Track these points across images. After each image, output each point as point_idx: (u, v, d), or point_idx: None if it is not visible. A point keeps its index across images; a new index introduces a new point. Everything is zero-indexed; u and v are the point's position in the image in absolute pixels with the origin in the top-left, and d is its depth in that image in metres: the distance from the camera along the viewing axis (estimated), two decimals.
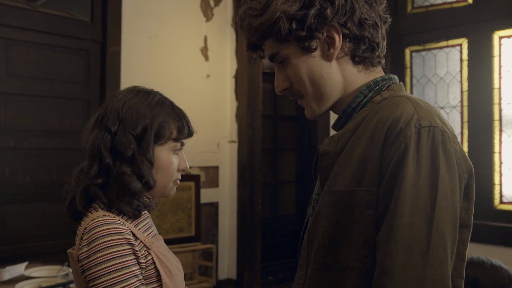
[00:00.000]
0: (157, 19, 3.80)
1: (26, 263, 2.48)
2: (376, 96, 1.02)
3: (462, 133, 3.10)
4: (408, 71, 3.34)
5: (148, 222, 1.29)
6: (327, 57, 1.02)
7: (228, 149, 4.30)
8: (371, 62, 1.04)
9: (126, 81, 3.56)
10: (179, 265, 1.31)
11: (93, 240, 1.10)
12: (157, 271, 1.18)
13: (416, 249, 0.85)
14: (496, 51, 2.98)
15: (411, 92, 3.33)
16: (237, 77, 4.32)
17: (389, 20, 1.07)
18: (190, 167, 4.11)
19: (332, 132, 1.09)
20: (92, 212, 1.18)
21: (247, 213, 4.23)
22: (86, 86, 3.46)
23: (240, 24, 1.10)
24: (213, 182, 4.19)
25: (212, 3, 4.18)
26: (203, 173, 4.09)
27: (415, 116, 0.90)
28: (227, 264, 4.29)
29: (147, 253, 1.17)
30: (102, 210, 1.17)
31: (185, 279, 3.71)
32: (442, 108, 3.20)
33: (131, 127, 1.20)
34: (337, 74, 1.03)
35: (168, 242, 3.29)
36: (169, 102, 1.29)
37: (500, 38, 2.98)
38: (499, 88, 2.96)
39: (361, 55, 1.03)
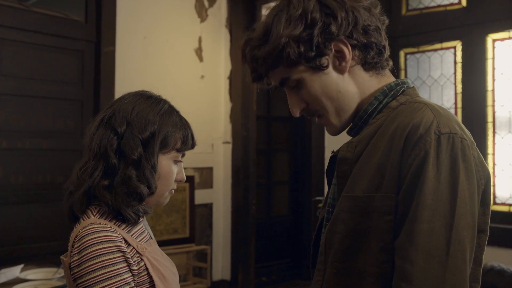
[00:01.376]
0: (151, 19, 3.79)
1: (21, 266, 2.46)
2: (392, 102, 1.03)
3: None
4: (402, 73, 3.35)
5: (142, 227, 1.28)
6: (340, 71, 1.03)
7: (222, 150, 4.30)
8: (381, 66, 1.06)
9: (121, 81, 3.55)
10: (173, 269, 1.30)
11: (84, 248, 1.10)
12: (150, 277, 1.17)
13: (436, 255, 0.86)
14: (489, 54, 3.01)
15: None
16: (231, 78, 4.32)
17: (386, 21, 1.08)
18: (185, 168, 4.11)
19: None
20: (84, 218, 1.18)
21: (241, 214, 4.23)
22: (80, 87, 3.45)
23: (243, 57, 1.09)
24: (207, 183, 4.19)
25: (206, 3, 4.17)
26: (197, 174, 4.09)
27: (435, 123, 0.91)
28: (221, 265, 4.29)
29: (139, 260, 1.17)
30: (95, 216, 1.17)
31: (180, 280, 3.70)
32: None
33: (138, 131, 1.19)
34: (352, 86, 1.04)
35: (163, 243, 3.29)
36: (177, 113, 1.30)
37: (494, 41, 3.00)
38: (493, 90, 2.98)
39: (371, 61, 1.04)
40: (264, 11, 4.46)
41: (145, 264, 1.17)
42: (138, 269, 1.15)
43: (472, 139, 0.96)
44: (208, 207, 4.20)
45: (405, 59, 3.36)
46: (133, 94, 1.28)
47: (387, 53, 1.06)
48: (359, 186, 0.96)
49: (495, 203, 2.96)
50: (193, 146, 1.31)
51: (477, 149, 0.96)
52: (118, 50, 3.56)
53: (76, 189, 1.19)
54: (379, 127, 0.99)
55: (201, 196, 4.08)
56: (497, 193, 2.96)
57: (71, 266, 1.12)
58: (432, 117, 0.92)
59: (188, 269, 3.84)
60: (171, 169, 1.25)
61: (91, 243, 1.10)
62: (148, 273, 1.17)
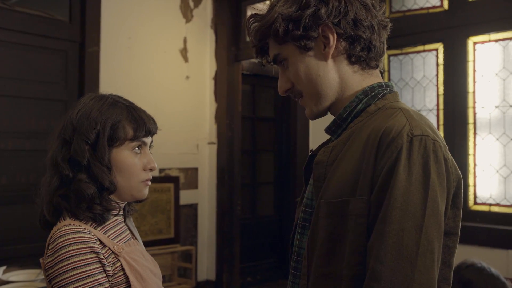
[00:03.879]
0: (136, 19, 3.78)
1: (4, 267, 2.44)
2: (371, 106, 1.05)
3: None
4: (386, 74, 3.40)
5: (121, 228, 1.28)
6: (323, 56, 1.05)
7: (207, 151, 4.30)
8: (367, 63, 1.07)
9: (105, 82, 3.53)
10: (155, 270, 1.30)
11: (58, 249, 1.11)
12: (127, 277, 1.17)
13: (406, 255, 0.87)
14: (470, 56, 3.06)
15: None
16: (216, 78, 4.33)
17: (389, 25, 1.10)
18: (169, 169, 4.13)
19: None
20: (61, 220, 1.19)
21: (226, 214, 4.24)
22: (64, 87, 3.43)
23: (247, 31, 1.14)
24: (192, 183, 4.19)
25: (191, 4, 4.18)
26: (182, 175, 4.09)
27: (407, 126, 0.93)
28: (206, 266, 4.29)
29: (115, 260, 1.17)
30: (70, 218, 1.18)
31: (164, 281, 3.70)
32: (419, 111, 3.26)
33: (84, 135, 1.20)
34: (333, 73, 1.06)
35: (147, 244, 3.28)
36: (124, 103, 1.27)
37: (475, 43, 3.06)
38: (474, 92, 3.04)
39: (356, 54, 1.05)
40: (249, 12, 4.48)
41: (121, 264, 1.17)
42: (113, 269, 1.16)
43: (445, 143, 0.98)
44: (193, 207, 4.21)
45: (389, 61, 3.40)
46: (81, 99, 1.29)
47: (377, 54, 1.07)
48: (335, 191, 0.98)
49: (475, 203, 3.02)
50: (149, 132, 1.27)
51: (449, 152, 0.97)
52: (103, 51, 3.55)
53: (41, 200, 1.24)
54: (354, 132, 1.02)
55: (186, 197, 4.08)
56: (478, 193, 3.01)
57: (46, 267, 1.13)
58: (405, 121, 0.94)
59: (173, 269, 3.83)
60: (130, 160, 1.23)
61: (64, 244, 1.11)
62: (125, 273, 1.17)
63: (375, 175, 0.93)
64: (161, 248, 3.69)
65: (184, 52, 4.13)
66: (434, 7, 3.22)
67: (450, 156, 0.97)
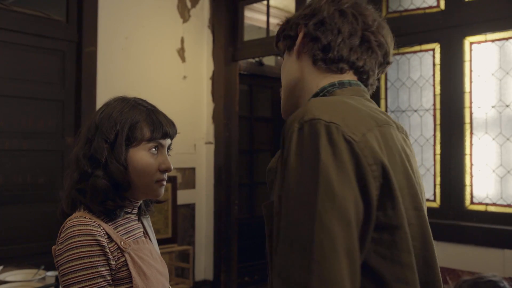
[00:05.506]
0: (133, 19, 3.78)
1: (1, 267, 2.43)
2: None
3: (434, 135, 3.17)
4: (382, 74, 3.40)
5: (134, 225, 1.33)
6: (295, 54, 1.09)
7: (204, 150, 4.30)
8: (329, 67, 1.05)
9: (102, 82, 3.53)
10: (162, 270, 1.33)
11: (67, 238, 1.18)
12: (130, 273, 1.21)
13: (300, 246, 0.81)
14: (467, 56, 3.07)
15: (385, 96, 3.40)
16: (213, 78, 4.33)
17: (371, 37, 1.06)
18: None
19: None
20: (76, 212, 1.25)
21: (224, 214, 4.24)
22: (61, 87, 3.42)
23: None
24: (190, 183, 4.19)
25: (189, 4, 4.18)
26: (179, 175, 4.09)
27: (301, 114, 0.87)
28: (203, 265, 4.30)
29: (120, 255, 1.21)
30: (84, 211, 1.24)
31: None
32: (415, 111, 3.28)
33: (105, 134, 1.26)
34: (296, 70, 1.08)
35: None
36: (146, 106, 1.33)
37: (471, 43, 3.06)
38: (470, 92, 3.04)
39: (315, 53, 1.05)
40: (247, 12, 4.48)
41: (125, 260, 1.21)
42: (117, 264, 1.20)
43: (360, 131, 0.88)
44: (191, 207, 4.21)
45: None
46: (109, 101, 1.36)
47: (338, 57, 1.04)
48: (273, 194, 0.94)
49: (472, 203, 3.02)
50: (166, 135, 1.31)
51: (367, 135, 0.88)
52: (100, 50, 3.55)
53: (63, 193, 1.30)
54: None
55: (183, 197, 4.08)
56: (475, 193, 3.02)
57: (56, 254, 1.19)
58: (303, 109, 0.88)
59: (171, 269, 3.84)
60: (146, 160, 1.28)
61: (72, 235, 1.17)
62: (128, 269, 1.21)
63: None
64: (158, 248, 3.69)
65: (181, 52, 4.13)
66: (430, 7, 3.22)
67: (362, 138, 0.87)
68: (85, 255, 1.16)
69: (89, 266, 1.15)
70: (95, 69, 3.51)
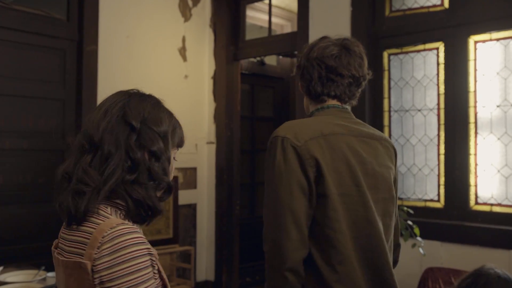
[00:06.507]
0: (135, 18, 3.76)
1: (1, 268, 2.41)
2: None
3: (438, 135, 3.14)
4: (386, 73, 3.37)
5: None
6: None
7: (206, 150, 4.28)
8: (313, 99, 1.65)
9: (103, 81, 3.50)
10: None
11: (118, 249, 1.05)
12: (163, 279, 1.15)
13: (269, 212, 1.47)
14: (471, 55, 3.04)
15: (389, 95, 3.37)
16: (215, 78, 4.30)
17: (342, 72, 1.60)
18: None
19: None
20: (99, 218, 1.12)
21: (225, 214, 4.22)
22: (62, 86, 3.40)
23: None
24: (191, 183, 4.17)
25: (190, 3, 4.15)
26: (181, 175, 4.06)
27: (273, 133, 1.52)
28: (205, 266, 4.27)
29: (155, 263, 1.15)
30: (116, 216, 1.13)
31: None
32: (419, 110, 3.25)
33: (155, 128, 1.20)
34: (304, 101, 1.71)
35: None
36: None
37: (476, 42, 3.03)
38: (475, 91, 3.01)
39: (305, 93, 1.67)
40: (248, 11, 4.46)
41: (158, 268, 1.15)
42: (155, 271, 1.14)
43: (303, 139, 1.47)
44: (192, 207, 4.18)
45: (389, 60, 3.38)
46: (133, 92, 1.28)
47: (313, 92, 1.63)
48: None
49: (477, 203, 2.99)
50: (184, 142, 1.33)
51: (308, 143, 1.47)
52: (101, 49, 3.52)
53: (95, 186, 1.12)
54: None
55: (184, 197, 4.05)
56: (479, 193, 2.99)
57: (99, 269, 1.05)
58: (277, 129, 1.52)
59: (172, 270, 3.81)
60: (172, 166, 1.27)
61: (127, 244, 1.05)
62: (161, 276, 1.15)
63: None
64: (159, 249, 3.66)
65: (182, 51, 4.10)
66: (434, 5, 3.19)
67: (304, 145, 1.46)
68: (141, 267, 1.06)
69: (145, 279, 1.07)
70: (96, 68, 3.48)
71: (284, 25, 5.07)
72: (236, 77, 4.30)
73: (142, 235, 1.10)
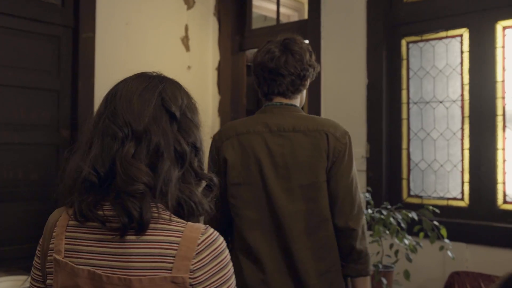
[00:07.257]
0: (135, 4, 3.53)
1: None
2: None
3: (462, 128, 2.92)
4: (404, 63, 3.14)
5: None
6: None
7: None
8: (264, 96, 1.99)
9: (100, 70, 3.28)
10: None
11: (216, 256, 1.00)
12: None
13: None
14: (499, 42, 2.81)
15: (407, 86, 3.15)
16: (219, 69, 4.08)
17: (267, 76, 1.95)
18: None
19: None
20: (172, 224, 1.01)
21: None
22: (57, 75, 3.16)
23: None
24: None
25: None
26: None
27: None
28: None
29: None
30: (172, 217, 1.03)
31: None
32: (441, 102, 3.02)
33: (193, 117, 1.11)
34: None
35: None
36: None
37: (504, 28, 2.81)
38: (503, 81, 2.79)
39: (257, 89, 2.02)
40: (254, 0, 4.22)
41: None
42: None
43: (221, 140, 1.89)
44: None
45: (407, 48, 3.15)
46: (162, 76, 1.21)
47: (260, 93, 2.00)
48: None
49: (505, 202, 2.77)
50: None
51: (223, 139, 1.89)
52: (98, 37, 3.28)
53: (163, 185, 1.00)
54: None
55: None
56: (508, 191, 2.76)
57: (201, 280, 0.98)
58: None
59: None
60: None
61: (222, 249, 1.02)
62: None
63: None
64: None
65: (185, 40, 3.87)
66: None
67: (219, 140, 1.89)
68: (233, 269, 1.05)
69: (234, 279, 1.06)
70: (93, 57, 3.25)
71: (290, 15, 4.84)
72: (241, 69, 4.07)
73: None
